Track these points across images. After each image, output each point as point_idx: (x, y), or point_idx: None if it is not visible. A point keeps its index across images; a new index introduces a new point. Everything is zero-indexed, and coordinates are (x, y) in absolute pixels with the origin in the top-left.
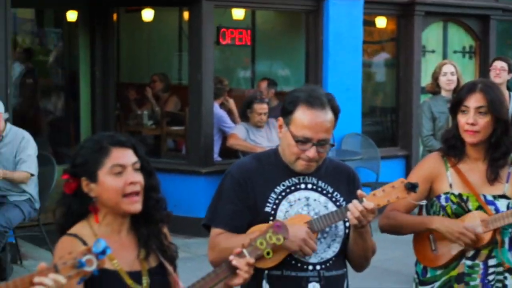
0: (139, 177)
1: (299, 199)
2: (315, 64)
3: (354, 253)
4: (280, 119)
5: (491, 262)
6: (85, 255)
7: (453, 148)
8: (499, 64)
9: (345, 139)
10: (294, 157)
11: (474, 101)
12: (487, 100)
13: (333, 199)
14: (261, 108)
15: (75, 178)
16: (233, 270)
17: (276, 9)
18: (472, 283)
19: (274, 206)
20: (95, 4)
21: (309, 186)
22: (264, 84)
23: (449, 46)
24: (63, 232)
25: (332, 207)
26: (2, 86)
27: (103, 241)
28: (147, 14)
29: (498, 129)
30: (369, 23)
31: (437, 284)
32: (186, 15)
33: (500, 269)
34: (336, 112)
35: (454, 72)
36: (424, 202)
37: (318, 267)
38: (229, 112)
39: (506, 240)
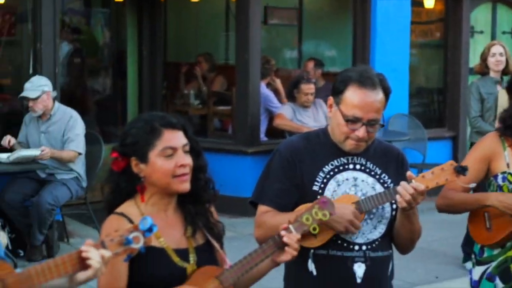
0: (189, 159)
1: (347, 179)
2: (362, 45)
3: (400, 236)
4: (331, 98)
5: None
6: (132, 232)
7: (510, 128)
8: None
9: (392, 120)
10: (343, 136)
11: None
12: None
13: (381, 180)
14: (308, 88)
15: (124, 157)
16: (280, 246)
17: None
18: None
19: (322, 185)
20: None
21: (358, 166)
22: (311, 64)
23: (498, 27)
24: (111, 209)
25: (379, 189)
26: (50, 65)
27: (150, 218)
28: None
29: None
30: (417, 3)
31: (494, 264)
32: None
33: None
34: (387, 92)
35: (503, 53)
36: (473, 185)
37: (364, 248)
38: (276, 92)
39: None
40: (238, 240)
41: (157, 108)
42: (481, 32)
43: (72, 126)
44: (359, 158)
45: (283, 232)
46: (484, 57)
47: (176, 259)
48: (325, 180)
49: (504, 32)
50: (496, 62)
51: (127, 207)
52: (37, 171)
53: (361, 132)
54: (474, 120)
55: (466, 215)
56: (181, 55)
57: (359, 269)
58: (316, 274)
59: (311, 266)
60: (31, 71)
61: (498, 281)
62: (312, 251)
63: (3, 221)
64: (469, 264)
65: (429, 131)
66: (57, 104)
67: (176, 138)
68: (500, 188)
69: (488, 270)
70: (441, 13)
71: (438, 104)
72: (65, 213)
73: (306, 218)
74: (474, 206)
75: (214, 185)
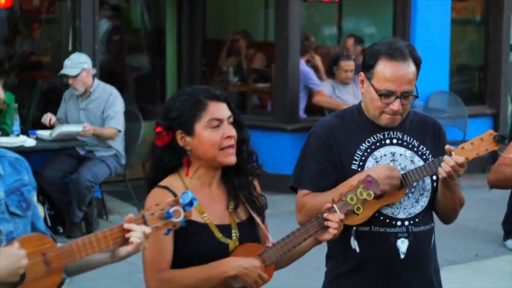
0: (234, 131)
1: (385, 155)
2: (403, 21)
3: (442, 206)
4: (362, 74)
5: None
6: (173, 206)
7: None
8: None
9: (432, 97)
10: (378, 111)
11: None
12: None
13: (419, 152)
14: (348, 65)
15: (169, 131)
16: (323, 225)
17: None
18: None
19: (361, 163)
20: None
21: (394, 141)
22: (350, 41)
23: None
24: (153, 185)
25: (418, 161)
26: (89, 43)
27: (190, 192)
28: None
29: None
30: None
31: None
32: None
33: None
34: (417, 63)
35: None
36: None
37: (406, 223)
38: (315, 69)
39: None
40: (277, 218)
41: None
42: None
43: (112, 103)
44: (395, 132)
45: (325, 211)
46: None
47: (218, 235)
48: (363, 158)
49: None
50: None
51: (172, 180)
52: (76, 148)
53: (395, 105)
54: None
55: (506, 193)
56: (220, 32)
57: (403, 244)
58: (359, 251)
59: (354, 244)
60: (70, 48)
61: None
62: (354, 228)
63: (43, 198)
64: (509, 242)
65: (470, 109)
66: (96, 81)
67: (221, 110)
68: None
69: None
70: None
71: (479, 81)
72: (104, 190)
73: (351, 197)
74: None
75: (257, 158)
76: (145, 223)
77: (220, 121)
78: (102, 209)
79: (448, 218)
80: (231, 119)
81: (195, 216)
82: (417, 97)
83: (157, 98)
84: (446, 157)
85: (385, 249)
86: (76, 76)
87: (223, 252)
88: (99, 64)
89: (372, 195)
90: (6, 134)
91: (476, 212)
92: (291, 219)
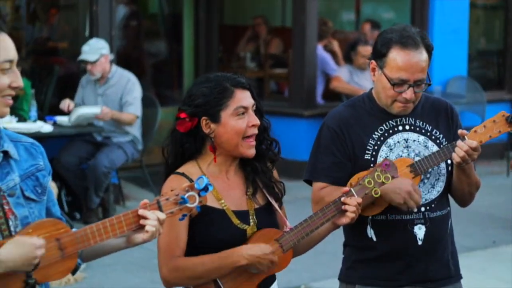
0: (258, 120)
1: (398, 142)
2: (421, 6)
3: (458, 190)
4: (373, 62)
5: None
6: (188, 191)
7: None
8: None
9: (451, 82)
10: (390, 100)
11: None
12: None
13: (433, 137)
14: (365, 50)
15: (193, 118)
16: (341, 209)
17: None
18: None
19: (374, 153)
20: None
21: (407, 127)
22: (367, 26)
23: None
24: (171, 171)
25: (432, 146)
26: (106, 28)
27: (205, 178)
28: None
29: None
30: None
31: None
32: None
33: None
34: (429, 50)
35: None
36: None
37: (423, 209)
38: (333, 55)
39: None
40: (293, 204)
41: (214, 71)
42: None
43: (130, 89)
44: (407, 119)
45: (344, 197)
46: None
47: (236, 221)
48: (376, 147)
49: None
50: None
51: (189, 167)
52: (93, 134)
53: (408, 94)
54: None
55: None
56: (238, 18)
57: (420, 231)
58: (376, 240)
59: (371, 232)
60: (87, 34)
61: None
62: (370, 217)
63: (60, 184)
64: None
65: (488, 94)
66: (114, 67)
67: (247, 98)
68: None
69: None
70: None
71: (498, 66)
72: (121, 176)
73: (368, 181)
74: None
75: (279, 146)
76: (159, 208)
77: (246, 109)
78: (118, 195)
79: (464, 201)
80: (255, 107)
81: (212, 202)
82: (429, 85)
83: (174, 84)
84: (459, 142)
85: (403, 236)
86: (95, 62)
87: (241, 238)
88: (116, 50)
89: (390, 179)
90: (23, 120)
91: (493, 199)
92: (307, 205)
